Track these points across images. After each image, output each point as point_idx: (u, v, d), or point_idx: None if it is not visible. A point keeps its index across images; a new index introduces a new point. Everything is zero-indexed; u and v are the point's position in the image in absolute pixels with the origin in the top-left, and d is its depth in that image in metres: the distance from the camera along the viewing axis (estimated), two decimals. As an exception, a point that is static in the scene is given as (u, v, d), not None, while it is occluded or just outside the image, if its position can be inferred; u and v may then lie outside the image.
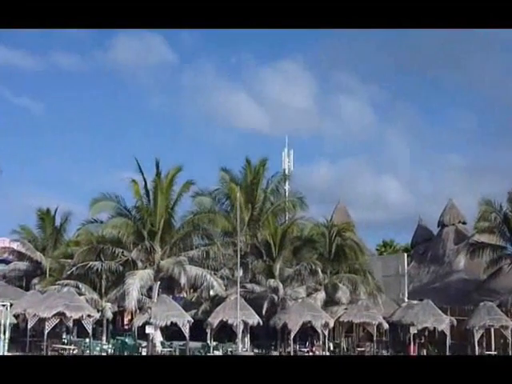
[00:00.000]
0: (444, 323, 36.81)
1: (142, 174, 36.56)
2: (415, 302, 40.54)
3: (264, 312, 36.17)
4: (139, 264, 35.86)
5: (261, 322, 34.94)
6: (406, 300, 43.11)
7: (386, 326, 37.70)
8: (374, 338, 37.83)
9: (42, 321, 33.74)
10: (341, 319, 37.90)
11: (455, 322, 37.20)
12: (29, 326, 34.49)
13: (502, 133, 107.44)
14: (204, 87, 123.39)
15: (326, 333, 35.86)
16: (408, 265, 48.89)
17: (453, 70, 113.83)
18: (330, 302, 38.43)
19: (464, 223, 53.53)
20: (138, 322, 34.41)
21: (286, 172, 53.25)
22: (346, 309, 38.36)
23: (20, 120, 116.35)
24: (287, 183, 45.92)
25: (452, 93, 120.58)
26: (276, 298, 37.26)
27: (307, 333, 37.54)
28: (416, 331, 36.75)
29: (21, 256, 45.74)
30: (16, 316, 36.74)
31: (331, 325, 36.06)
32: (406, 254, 50.07)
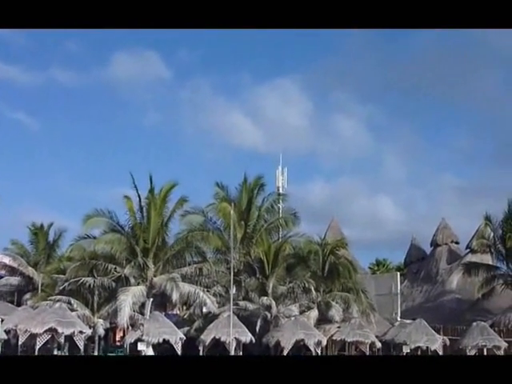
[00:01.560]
0: (437, 343, 36.84)
1: (137, 189, 36.71)
2: (408, 321, 40.59)
3: (257, 330, 36.14)
4: (132, 280, 35.85)
5: (253, 340, 34.87)
6: (399, 319, 43.16)
7: (378, 344, 37.62)
8: (367, 357, 37.76)
9: (33, 337, 33.63)
10: (334, 337, 37.85)
11: (448, 342, 37.28)
12: (20, 342, 34.38)
13: (498, 153, 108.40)
14: (200, 105, 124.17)
15: (319, 351, 35.76)
16: (401, 284, 49.02)
17: (449, 89, 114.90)
18: (323, 320, 38.41)
19: (457, 243, 53.86)
20: (130, 338, 34.30)
21: (280, 190, 53.43)
22: (338, 327, 38.35)
23: (15, 135, 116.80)
24: (281, 201, 45.97)
25: (448, 113, 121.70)
26: (269, 315, 37.23)
27: (300, 351, 37.42)
28: (409, 350, 36.72)
29: (12, 271, 45.65)
30: (7, 332, 36.59)
31: (324, 343, 36.02)
32: (399, 273, 50.19)
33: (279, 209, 45.80)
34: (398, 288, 47.04)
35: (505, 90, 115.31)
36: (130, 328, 36.04)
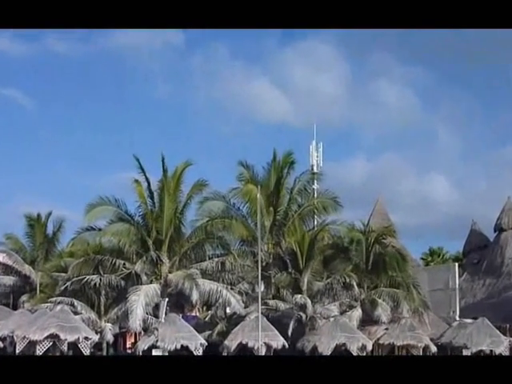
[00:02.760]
0: (502, 345, 36.75)
1: (145, 173, 36.87)
2: (468, 320, 40.42)
3: (290, 333, 36.24)
4: (144, 278, 36.06)
5: (286, 345, 34.96)
6: (458, 318, 43.02)
7: (433, 348, 37.51)
8: (420, 363, 37.61)
9: (32, 344, 34.13)
10: (380, 341, 37.89)
11: (516, 344, 37.10)
12: (17, 350, 34.85)
13: None
14: (217, 73, 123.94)
15: (363, 357, 35.78)
16: (460, 277, 48.81)
17: (509, 50, 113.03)
18: (368, 320, 38.47)
19: (526, 227, 53.30)
20: (143, 345, 34.55)
21: (315, 169, 53.30)
22: (386, 329, 38.42)
23: (6, 115, 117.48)
24: (316, 181, 45.83)
25: (508, 76, 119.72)
26: (304, 316, 37.27)
27: (341, 357, 37.48)
28: (469, 354, 36.58)
29: (7, 269, 46.22)
30: (2, 339, 37.33)
31: (369, 348, 35.94)
32: (457, 264, 49.99)
33: (314, 191, 45.65)
34: (456, 282, 46.85)
35: None
36: (143, 333, 36.29)
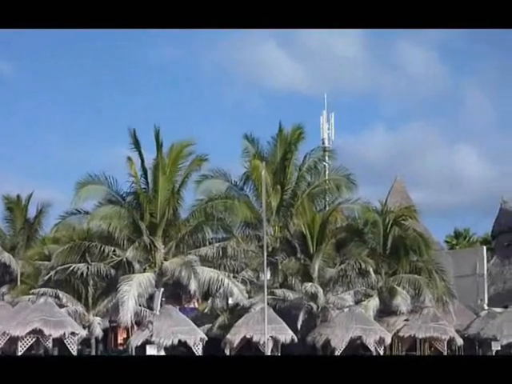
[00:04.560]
0: (536, 337, 36.78)
1: (139, 148, 36.61)
2: (498, 309, 40.55)
3: (299, 326, 36.35)
4: (136, 266, 36.12)
5: (295, 339, 35.07)
6: (486, 307, 43.13)
7: (459, 341, 37.72)
8: (445, 358, 37.82)
9: (13, 341, 34.33)
10: (400, 334, 38.07)
11: (552, 336, 37.18)
12: (-4, 348, 35.09)
13: None
14: (221, 34, 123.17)
15: (381, 351, 35.95)
16: (488, 261, 48.85)
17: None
18: (386, 311, 38.66)
19: None
20: (136, 340, 34.69)
21: (326, 143, 53.17)
22: (406, 320, 38.57)
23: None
24: (327, 157, 45.76)
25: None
26: (315, 307, 37.38)
27: (356, 352, 37.61)
28: (499, 348, 36.77)
29: (-17, 258, 46.30)
30: (-20, 335, 37.31)
31: (388, 341, 36.11)
32: (485, 248, 49.99)
33: (325, 168, 45.57)
34: (485, 267, 47.00)
35: None
36: (136, 327, 36.53)
